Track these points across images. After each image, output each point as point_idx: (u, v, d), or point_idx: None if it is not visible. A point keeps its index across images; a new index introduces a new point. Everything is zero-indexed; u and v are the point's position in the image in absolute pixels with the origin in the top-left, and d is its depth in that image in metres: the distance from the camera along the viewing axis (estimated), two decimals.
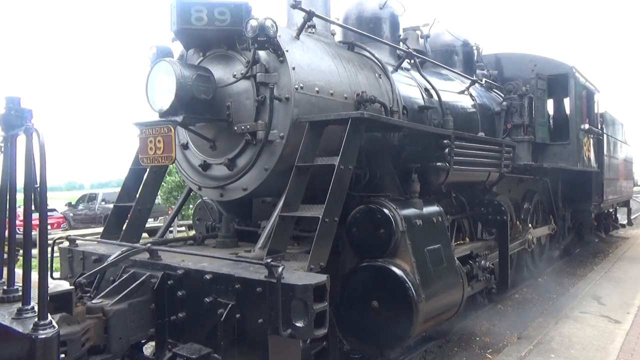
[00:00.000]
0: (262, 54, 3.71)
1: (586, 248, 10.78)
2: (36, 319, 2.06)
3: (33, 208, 2.02)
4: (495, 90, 7.51)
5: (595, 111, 9.66)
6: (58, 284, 2.76)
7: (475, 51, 7.56)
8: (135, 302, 3.09)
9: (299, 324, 2.63)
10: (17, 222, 2.44)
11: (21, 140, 2.07)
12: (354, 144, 3.46)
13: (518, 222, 6.68)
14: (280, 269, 2.66)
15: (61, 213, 20.49)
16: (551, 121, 8.86)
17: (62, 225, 18.93)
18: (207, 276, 2.99)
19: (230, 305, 2.85)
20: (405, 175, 4.30)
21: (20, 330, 2.06)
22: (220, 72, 3.83)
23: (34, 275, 2.15)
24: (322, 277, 2.76)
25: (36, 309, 2.10)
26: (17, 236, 2.32)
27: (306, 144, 3.47)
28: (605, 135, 10.27)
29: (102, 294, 3.12)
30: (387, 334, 3.48)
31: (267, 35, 3.51)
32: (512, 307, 6.56)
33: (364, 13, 5.39)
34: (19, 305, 2.19)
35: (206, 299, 2.94)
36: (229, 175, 3.94)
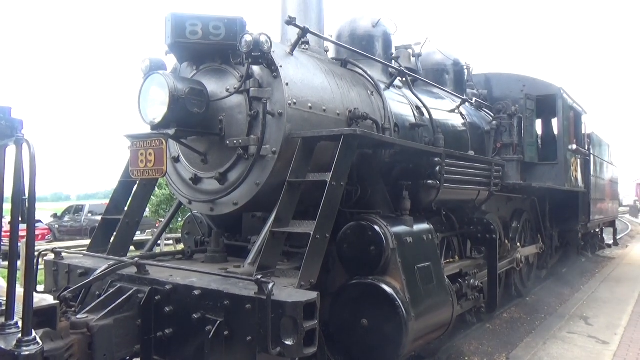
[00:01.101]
0: (255, 69, 3.72)
1: (573, 268, 10.83)
2: (20, 335, 2.01)
3: (20, 219, 1.97)
4: (485, 110, 7.60)
5: (583, 132, 9.80)
6: (42, 298, 2.70)
7: (466, 71, 7.66)
8: (121, 318, 3.03)
9: (288, 342, 2.60)
10: (2, 234, 2.39)
11: (10, 151, 2.03)
12: (346, 160, 3.46)
13: (507, 241, 6.70)
14: (270, 286, 2.63)
15: (46, 224, 20.21)
16: (539, 141, 8.98)
17: (46, 237, 18.66)
18: (196, 292, 2.94)
19: (218, 322, 2.80)
20: (396, 192, 4.31)
21: (3, 347, 2.00)
22: (214, 86, 3.83)
23: (18, 289, 2.10)
24: (312, 295, 2.73)
25: (20, 324, 2.04)
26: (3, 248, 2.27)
27: (298, 160, 3.46)
28: (592, 156, 10.41)
29: (87, 308, 3.05)
30: (377, 353, 3.43)
31: (261, 50, 3.52)
32: (500, 326, 6.54)
33: (357, 31, 5.44)
34: (2, 320, 2.13)
35: (194, 315, 2.89)
36: (220, 190, 3.92)
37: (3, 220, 2.41)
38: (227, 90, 3.77)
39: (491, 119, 7.26)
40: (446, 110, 6.18)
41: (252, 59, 3.56)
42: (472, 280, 5.17)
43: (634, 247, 16.87)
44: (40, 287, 3.90)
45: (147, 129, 3.81)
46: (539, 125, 9.14)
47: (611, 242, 14.47)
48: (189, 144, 3.91)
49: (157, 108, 3.54)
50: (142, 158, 3.57)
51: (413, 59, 6.37)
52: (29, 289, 1.97)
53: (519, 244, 7.12)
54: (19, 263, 2.26)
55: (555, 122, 8.89)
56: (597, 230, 12.78)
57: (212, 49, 3.78)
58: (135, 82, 3.89)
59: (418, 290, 3.62)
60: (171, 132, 3.55)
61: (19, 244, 2.12)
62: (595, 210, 10.46)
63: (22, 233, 2.08)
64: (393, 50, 5.74)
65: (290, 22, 4.05)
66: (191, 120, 3.65)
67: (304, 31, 4.11)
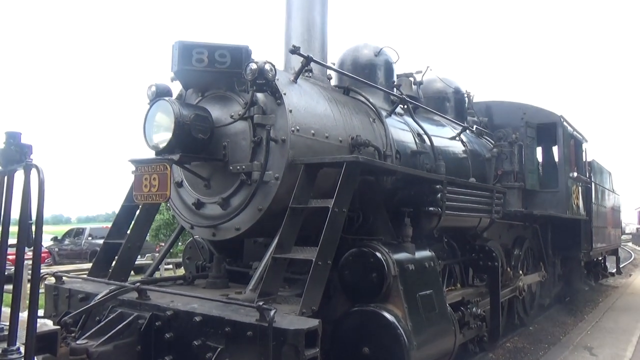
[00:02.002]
0: (260, 96, 3.78)
1: (576, 296, 10.73)
2: None
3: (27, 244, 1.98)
4: (486, 137, 7.65)
5: (584, 160, 9.85)
6: (43, 323, 2.68)
7: (467, 98, 7.75)
8: (121, 344, 3.01)
9: None
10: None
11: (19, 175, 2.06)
12: (348, 187, 3.48)
13: (509, 269, 6.66)
14: (272, 313, 2.61)
15: (46, 248, 20.10)
16: (540, 168, 9.01)
17: (46, 261, 18.55)
18: (197, 318, 2.93)
19: (219, 349, 2.78)
20: (397, 219, 4.31)
21: None
22: (218, 112, 3.88)
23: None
24: (314, 322, 2.72)
25: (22, 349, 2.03)
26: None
27: (301, 186, 3.49)
28: (593, 184, 10.43)
29: (87, 334, 3.04)
30: None
31: (265, 78, 3.58)
32: (503, 356, 6.45)
33: (359, 59, 5.53)
34: (4, 345, 2.12)
35: (195, 342, 2.87)
36: (222, 215, 3.93)
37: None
38: (232, 116, 3.83)
39: (492, 146, 7.30)
40: (447, 137, 6.23)
41: (256, 87, 3.62)
42: (474, 309, 5.13)
43: (637, 275, 16.71)
44: (40, 312, 3.87)
45: (151, 154, 3.85)
46: (539, 152, 9.19)
47: (614, 270, 14.35)
48: (192, 169, 3.94)
49: (162, 133, 3.59)
50: (146, 183, 3.60)
51: (414, 87, 6.46)
52: (33, 314, 1.96)
53: (521, 272, 7.07)
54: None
55: (555, 149, 8.94)
56: (600, 258, 12.69)
57: (217, 76, 3.85)
58: (140, 106, 3.95)
59: (420, 318, 3.59)
60: (175, 157, 3.59)
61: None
62: (597, 238, 10.41)
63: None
64: (395, 78, 5.82)
65: (295, 51, 4.13)
66: (195, 146, 3.69)
67: (308, 60, 4.19)
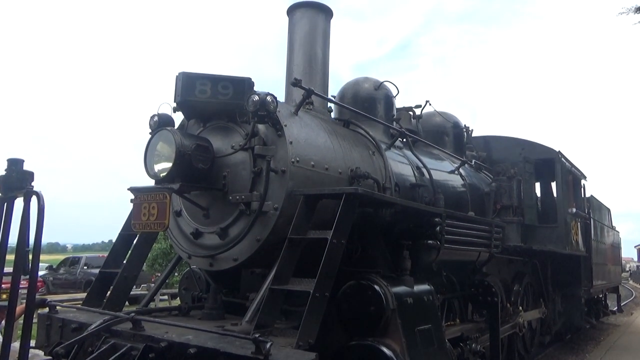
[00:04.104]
0: (261, 127, 3.82)
1: (577, 334, 10.56)
2: None
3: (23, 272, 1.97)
4: (485, 172, 7.69)
5: (582, 196, 9.87)
6: (35, 354, 2.63)
7: (465, 133, 7.82)
8: None
9: None
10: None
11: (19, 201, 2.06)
12: (347, 218, 3.48)
13: (508, 304, 6.58)
14: (268, 345, 2.58)
15: (41, 277, 19.84)
16: (539, 204, 9.01)
17: (40, 290, 18.27)
18: (191, 350, 2.87)
19: None
20: (396, 251, 4.29)
21: None
22: (219, 143, 3.92)
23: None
24: (310, 355, 2.68)
25: None
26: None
27: (300, 217, 3.48)
28: (592, 220, 10.41)
29: None
30: None
31: (267, 110, 3.63)
32: None
33: (360, 93, 5.62)
34: None
35: None
36: (220, 245, 3.91)
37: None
38: (233, 147, 3.86)
39: (491, 180, 7.33)
40: (446, 171, 6.27)
41: (258, 118, 3.67)
42: (473, 345, 5.04)
43: (639, 314, 16.49)
44: (32, 342, 3.79)
45: (150, 183, 3.86)
46: (538, 188, 9.21)
47: (615, 308, 14.17)
48: (191, 198, 3.94)
49: (163, 163, 3.62)
50: (145, 211, 3.59)
51: (414, 121, 6.54)
52: (25, 343, 1.93)
53: (521, 308, 6.97)
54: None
55: (554, 185, 8.97)
56: (601, 295, 12.55)
57: (219, 107, 3.90)
58: (141, 135, 3.98)
59: (418, 354, 3.53)
60: (175, 186, 3.60)
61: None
62: (597, 275, 10.33)
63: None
64: (394, 112, 5.89)
65: (296, 83, 4.20)
66: (195, 175, 3.71)
67: (309, 92, 4.25)
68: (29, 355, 2.33)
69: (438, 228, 4.48)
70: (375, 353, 3.36)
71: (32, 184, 2.01)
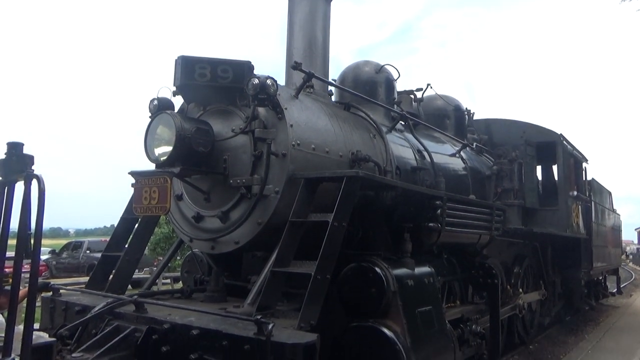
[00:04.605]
0: (261, 110, 3.80)
1: (577, 316, 10.64)
2: None
3: (24, 255, 1.98)
4: (486, 155, 7.67)
5: (583, 179, 9.86)
6: (39, 336, 2.66)
7: (467, 116, 7.79)
8: (117, 357, 2.98)
9: None
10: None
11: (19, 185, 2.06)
12: (347, 201, 3.48)
13: (508, 287, 6.62)
14: (270, 327, 2.60)
15: (44, 261, 20.00)
16: (540, 187, 9.01)
17: (43, 274, 18.42)
18: (194, 331, 2.90)
19: None
20: (397, 234, 4.31)
21: None
22: (219, 126, 3.91)
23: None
24: (312, 336, 2.70)
25: None
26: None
27: (301, 200, 3.49)
28: (593, 203, 10.42)
29: (83, 347, 3.01)
30: None
31: (267, 93, 3.61)
32: None
33: (360, 76, 5.58)
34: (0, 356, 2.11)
35: (192, 355, 2.84)
36: (222, 228, 3.93)
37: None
38: (233, 130, 3.85)
39: (492, 163, 7.32)
40: (447, 154, 6.25)
41: (258, 101, 3.65)
42: (474, 326, 5.08)
43: (638, 296, 16.59)
44: (36, 325, 3.84)
45: (151, 167, 3.87)
46: (539, 171, 9.20)
47: (615, 290, 14.26)
48: (192, 182, 3.95)
49: (163, 147, 3.61)
50: (146, 195, 3.60)
51: (415, 104, 6.51)
52: (29, 325, 1.95)
53: (521, 290, 7.02)
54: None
55: (555, 168, 8.96)
56: (600, 277, 12.62)
57: (219, 90, 3.88)
58: (139, 118, 3.97)
59: (419, 335, 3.57)
60: (176, 170, 3.60)
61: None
62: (597, 257, 10.37)
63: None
64: (395, 95, 5.86)
65: (296, 67, 4.17)
66: (196, 159, 3.71)
67: (309, 76, 4.22)
68: (33, 337, 2.35)
69: (439, 211, 4.49)
70: (376, 334, 3.40)
71: (32, 167, 2.01)
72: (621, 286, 15.51)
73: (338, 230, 3.34)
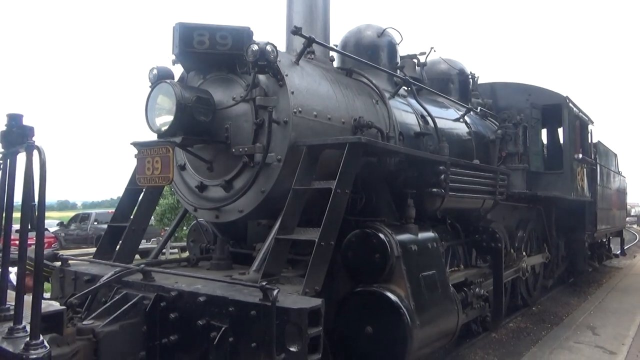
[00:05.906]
0: (261, 77, 3.76)
1: (580, 277, 10.75)
2: (28, 339, 2.03)
3: (29, 227, 2.00)
4: (490, 119, 7.60)
5: (589, 141, 9.78)
6: (49, 304, 2.71)
7: (471, 80, 7.68)
8: (127, 324, 3.04)
9: (292, 349, 2.60)
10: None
11: (21, 157, 2.06)
12: (350, 168, 3.48)
13: (512, 250, 6.67)
14: (275, 292, 2.64)
15: (53, 233, 20.28)
16: (545, 150, 8.95)
17: (53, 245, 18.69)
18: (201, 298, 2.96)
19: (223, 329, 2.81)
20: (400, 200, 4.31)
21: (11, 350, 2.02)
22: (220, 95, 3.87)
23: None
24: (317, 301, 2.74)
25: (28, 328, 2.07)
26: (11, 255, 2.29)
27: (303, 168, 3.48)
28: (598, 166, 10.36)
29: (93, 315, 3.07)
30: None
31: (267, 59, 3.56)
32: (506, 336, 6.50)
33: (362, 41, 5.48)
34: (10, 324, 2.16)
35: (199, 321, 2.90)
36: (225, 197, 3.94)
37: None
38: (234, 98, 3.81)
39: (496, 128, 7.26)
40: (451, 119, 6.20)
41: (258, 68, 3.60)
42: (477, 289, 5.15)
43: None
44: (46, 294, 3.92)
45: (153, 137, 3.86)
46: (544, 134, 9.12)
47: (618, 252, 14.35)
48: (195, 151, 3.94)
49: (164, 116, 3.59)
50: (149, 166, 3.60)
51: (418, 69, 6.40)
52: (38, 293, 1.99)
53: (524, 253, 7.08)
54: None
55: (561, 131, 8.87)
56: (604, 240, 12.69)
57: (219, 58, 3.83)
58: (141, 89, 3.94)
59: (423, 298, 3.62)
60: (178, 140, 3.59)
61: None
62: (602, 219, 10.39)
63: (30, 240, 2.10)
64: (398, 60, 5.76)
65: (296, 32, 4.09)
66: (197, 128, 3.69)
67: (310, 41, 4.15)
68: (44, 305, 2.40)
69: (442, 176, 4.48)
70: (381, 298, 3.44)
71: (33, 138, 2.00)
72: (625, 248, 15.59)
73: (341, 197, 3.35)
